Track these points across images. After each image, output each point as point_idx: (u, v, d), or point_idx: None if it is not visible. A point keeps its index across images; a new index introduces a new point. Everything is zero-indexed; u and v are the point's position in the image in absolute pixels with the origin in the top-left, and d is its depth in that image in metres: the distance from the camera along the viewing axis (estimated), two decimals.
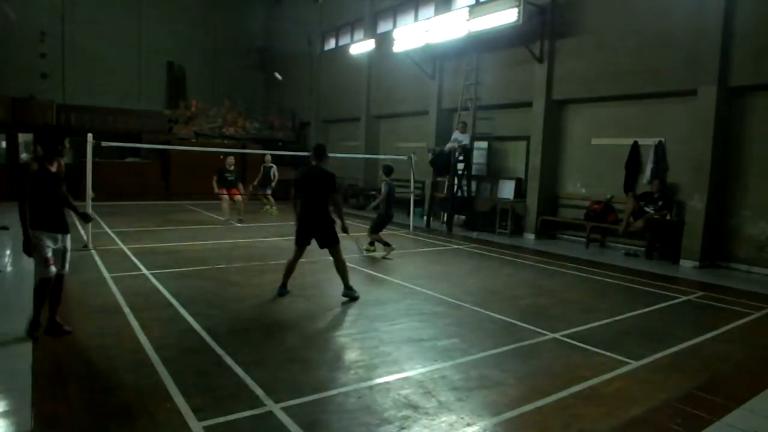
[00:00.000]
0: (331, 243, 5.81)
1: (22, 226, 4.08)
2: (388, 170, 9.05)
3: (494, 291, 6.63)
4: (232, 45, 22.34)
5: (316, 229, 5.77)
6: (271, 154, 13.55)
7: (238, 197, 12.08)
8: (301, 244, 5.86)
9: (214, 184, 11.81)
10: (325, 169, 5.80)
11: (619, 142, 10.30)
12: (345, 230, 6.12)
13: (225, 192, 11.91)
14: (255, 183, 13.40)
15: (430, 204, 13.63)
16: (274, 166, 13.53)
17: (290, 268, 5.92)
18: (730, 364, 4.39)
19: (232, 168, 12.06)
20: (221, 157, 13.64)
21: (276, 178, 13.52)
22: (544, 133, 11.33)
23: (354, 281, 5.98)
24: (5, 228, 9.64)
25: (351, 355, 4.24)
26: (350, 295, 5.83)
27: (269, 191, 13.52)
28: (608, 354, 4.40)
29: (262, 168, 13.58)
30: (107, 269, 6.80)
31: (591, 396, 3.60)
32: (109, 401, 3.25)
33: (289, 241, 8.87)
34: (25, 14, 17.36)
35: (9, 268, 7.04)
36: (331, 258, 5.86)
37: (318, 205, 5.74)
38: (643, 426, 3.24)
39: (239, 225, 11.66)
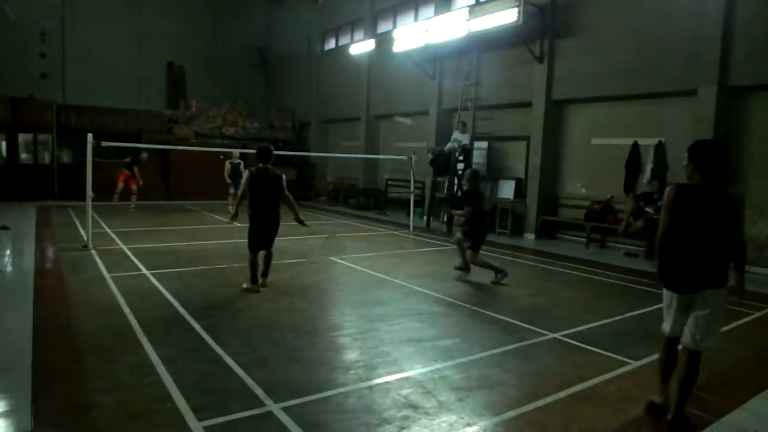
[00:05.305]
0: (272, 242, 6.04)
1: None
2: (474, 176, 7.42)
3: (494, 291, 6.63)
4: (232, 45, 22.34)
5: (269, 230, 5.95)
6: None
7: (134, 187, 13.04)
8: (255, 250, 5.95)
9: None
10: (273, 171, 5.88)
11: (619, 142, 10.29)
12: (302, 222, 6.14)
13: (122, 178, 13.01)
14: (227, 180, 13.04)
15: (430, 204, 13.64)
16: (242, 162, 12.99)
17: (254, 265, 5.97)
18: (730, 364, 4.39)
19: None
20: (221, 157, 13.64)
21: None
22: (544, 133, 11.32)
23: (354, 281, 5.97)
24: (5, 228, 9.64)
25: (351, 355, 4.23)
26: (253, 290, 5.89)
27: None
28: (608, 354, 4.40)
29: (228, 164, 13.14)
30: (107, 269, 6.80)
31: (591, 396, 3.60)
32: (109, 401, 3.24)
33: (289, 242, 8.93)
34: (25, 14, 17.37)
35: (9, 268, 7.04)
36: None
37: (270, 208, 5.87)
38: (643, 426, 3.25)
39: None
